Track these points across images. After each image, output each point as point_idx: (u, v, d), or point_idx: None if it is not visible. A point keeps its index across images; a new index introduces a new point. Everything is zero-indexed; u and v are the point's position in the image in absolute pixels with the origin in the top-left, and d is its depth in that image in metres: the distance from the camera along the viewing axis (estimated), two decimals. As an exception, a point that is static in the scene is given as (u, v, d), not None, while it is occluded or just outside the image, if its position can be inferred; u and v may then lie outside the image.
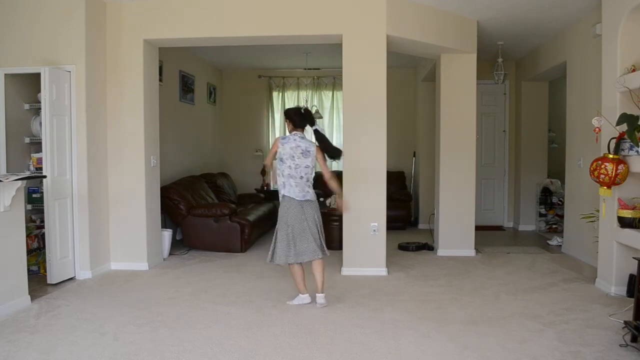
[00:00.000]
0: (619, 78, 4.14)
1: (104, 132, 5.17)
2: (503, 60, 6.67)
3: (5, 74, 4.77)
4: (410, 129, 8.65)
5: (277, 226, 4.01)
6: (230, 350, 3.11)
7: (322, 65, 8.47)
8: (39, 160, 4.73)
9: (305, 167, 3.99)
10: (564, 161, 6.18)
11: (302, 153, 3.96)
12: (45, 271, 4.68)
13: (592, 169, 4.11)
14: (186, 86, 7.40)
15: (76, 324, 3.58)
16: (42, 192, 4.81)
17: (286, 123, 4.19)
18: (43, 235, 4.85)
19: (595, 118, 4.23)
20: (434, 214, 6.36)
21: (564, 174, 6.20)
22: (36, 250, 4.93)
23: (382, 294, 4.35)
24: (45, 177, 4.48)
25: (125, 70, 5.17)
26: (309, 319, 3.70)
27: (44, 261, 4.77)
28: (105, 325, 3.54)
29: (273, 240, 3.99)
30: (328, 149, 4.14)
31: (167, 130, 6.47)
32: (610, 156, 4.00)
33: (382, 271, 5.02)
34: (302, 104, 8.60)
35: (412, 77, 8.65)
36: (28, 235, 4.67)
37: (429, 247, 6.21)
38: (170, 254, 5.89)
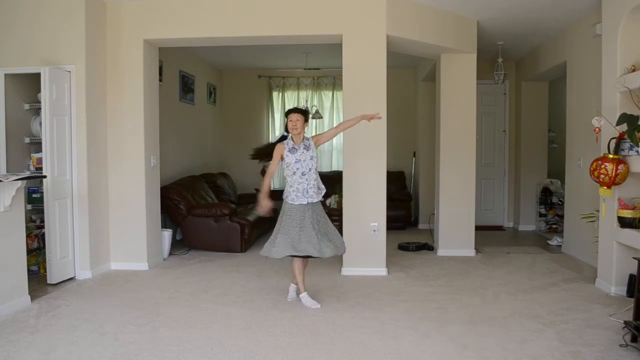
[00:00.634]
0: (619, 78, 4.14)
1: (104, 132, 5.18)
2: (503, 60, 6.67)
3: (5, 74, 4.77)
4: (410, 129, 8.65)
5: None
6: (230, 350, 3.11)
7: (322, 65, 8.47)
8: (39, 160, 4.73)
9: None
10: (564, 161, 6.18)
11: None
12: (45, 271, 4.68)
13: (592, 169, 4.11)
14: (186, 86, 7.40)
15: (76, 324, 3.58)
16: (42, 192, 4.81)
17: (305, 125, 4.07)
18: (43, 235, 4.85)
19: (595, 118, 4.23)
20: (434, 214, 6.36)
21: (564, 174, 6.20)
22: (36, 250, 4.93)
23: (382, 294, 4.35)
24: (45, 177, 4.48)
25: (125, 70, 5.17)
26: (309, 319, 3.70)
27: (44, 261, 4.77)
28: (105, 325, 3.54)
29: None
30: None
31: (167, 130, 6.47)
32: (610, 156, 4.00)
33: (382, 271, 5.02)
34: (302, 104, 8.61)
35: (412, 77, 8.65)
36: (28, 235, 4.67)
37: (429, 247, 6.21)
38: (170, 254, 5.89)
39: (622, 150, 4.04)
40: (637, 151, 3.88)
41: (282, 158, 4.02)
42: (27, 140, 4.99)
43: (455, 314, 3.80)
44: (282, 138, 4.08)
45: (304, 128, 4.03)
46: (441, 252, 5.93)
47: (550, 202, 7.48)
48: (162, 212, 5.74)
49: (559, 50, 6.24)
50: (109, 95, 5.19)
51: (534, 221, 7.75)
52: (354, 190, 5.07)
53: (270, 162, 4.07)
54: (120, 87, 5.18)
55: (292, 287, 4.20)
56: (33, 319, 3.67)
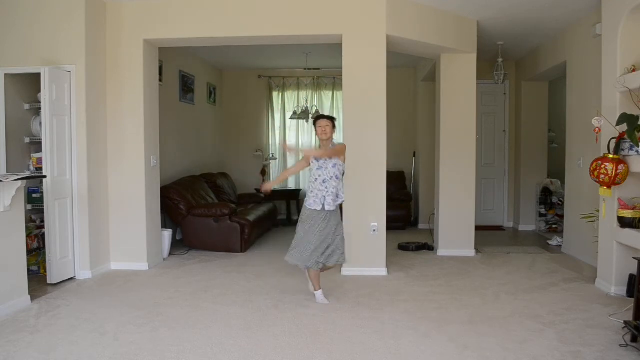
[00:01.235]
0: (619, 78, 4.14)
1: (104, 132, 5.17)
2: (503, 60, 6.67)
3: (5, 74, 4.77)
4: (410, 129, 8.65)
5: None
6: (230, 350, 3.11)
7: (322, 65, 8.47)
8: (39, 160, 4.73)
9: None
10: (564, 161, 6.18)
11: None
12: (45, 271, 4.68)
13: (592, 169, 4.11)
14: (186, 86, 7.40)
15: (76, 324, 3.58)
16: (42, 192, 4.81)
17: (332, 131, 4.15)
18: (43, 235, 4.85)
19: (595, 118, 4.23)
20: (434, 214, 6.36)
21: (564, 174, 6.20)
22: (36, 250, 4.94)
23: (382, 294, 4.35)
24: (45, 177, 4.48)
25: (125, 70, 5.17)
26: (309, 319, 3.70)
27: (44, 261, 4.77)
28: (105, 325, 3.54)
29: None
30: None
31: (167, 130, 6.47)
32: (610, 156, 4.00)
33: (382, 271, 5.02)
34: (302, 104, 8.61)
35: (412, 77, 8.65)
36: (28, 235, 4.67)
37: (429, 247, 6.21)
38: (170, 254, 5.89)
39: (622, 150, 4.03)
40: (637, 151, 3.88)
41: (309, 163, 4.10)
42: (27, 140, 4.99)
43: (455, 314, 3.80)
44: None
45: (332, 134, 4.09)
46: (441, 252, 5.93)
47: (550, 202, 7.48)
48: (162, 212, 5.75)
49: (559, 50, 6.24)
50: (109, 95, 5.19)
51: (534, 221, 7.75)
52: (354, 190, 5.07)
53: (301, 161, 4.11)
54: (120, 87, 5.18)
55: (318, 293, 4.16)
56: (33, 319, 3.67)
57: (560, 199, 7.20)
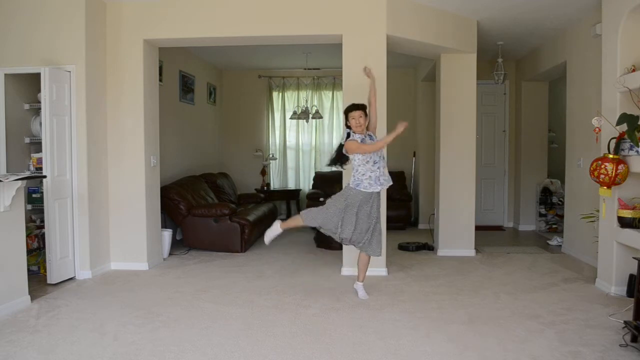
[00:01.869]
0: (619, 78, 4.14)
1: (104, 132, 5.18)
2: (503, 60, 6.67)
3: (5, 74, 4.77)
4: (410, 129, 8.59)
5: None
6: (230, 350, 3.11)
7: (322, 65, 8.47)
8: (39, 160, 4.73)
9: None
10: (564, 161, 6.18)
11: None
12: (45, 271, 4.68)
13: (592, 169, 4.11)
14: (186, 86, 7.40)
15: (76, 324, 3.58)
16: (42, 192, 4.81)
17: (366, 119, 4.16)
18: (43, 235, 4.85)
19: (595, 118, 4.23)
20: (434, 214, 6.36)
21: (564, 174, 6.20)
22: (36, 250, 4.93)
23: (382, 294, 4.35)
24: (45, 177, 4.48)
25: (125, 70, 5.17)
26: (309, 319, 3.70)
27: (44, 261, 4.77)
28: (105, 325, 3.54)
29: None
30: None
31: (167, 130, 6.47)
32: (610, 156, 4.00)
33: (382, 271, 5.02)
34: (302, 104, 8.61)
35: (412, 77, 8.65)
36: (28, 235, 4.67)
37: (429, 247, 6.21)
38: (170, 254, 5.89)
39: (622, 150, 4.04)
40: (637, 151, 3.88)
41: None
42: (27, 140, 4.99)
43: (455, 314, 3.80)
44: (348, 135, 4.17)
45: (365, 122, 4.14)
46: (441, 252, 5.93)
47: (550, 202, 7.48)
48: (162, 212, 5.75)
49: (559, 50, 6.24)
50: (109, 95, 5.19)
51: (534, 221, 7.75)
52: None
53: (358, 149, 4.06)
54: (120, 87, 5.18)
55: (359, 285, 4.32)
56: (33, 319, 3.67)
57: (560, 199, 7.20)
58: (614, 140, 4.08)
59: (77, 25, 4.78)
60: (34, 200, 4.97)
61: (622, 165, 3.96)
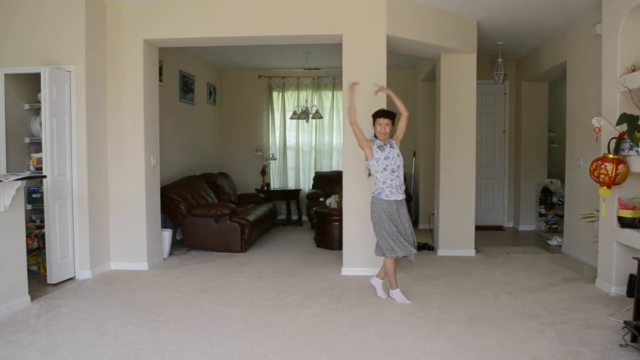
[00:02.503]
0: (619, 78, 4.14)
1: (104, 132, 5.18)
2: (503, 60, 6.67)
3: (5, 74, 4.77)
4: (410, 129, 8.57)
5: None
6: (230, 350, 3.11)
7: (322, 65, 8.47)
8: (39, 160, 4.73)
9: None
10: (564, 161, 6.18)
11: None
12: (45, 271, 4.68)
13: (592, 169, 4.11)
14: (186, 86, 7.40)
15: (76, 324, 3.58)
16: (42, 192, 4.81)
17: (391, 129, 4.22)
18: (43, 235, 4.85)
19: (595, 118, 4.23)
20: (434, 214, 6.36)
21: (564, 174, 6.20)
22: (36, 250, 4.93)
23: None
24: (45, 177, 4.48)
25: (125, 70, 5.17)
26: (309, 319, 3.70)
27: (44, 261, 4.77)
28: (105, 325, 3.54)
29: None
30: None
31: (167, 130, 6.47)
32: (610, 156, 4.00)
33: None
34: (302, 104, 8.60)
35: (412, 77, 8.65)
36: (28, 235, 4.67)
37: (429, 247, 6.21)
38: (170, 254, 5.89)
39: (622, 150, 4.04)
40: (637, 151, 3.88)
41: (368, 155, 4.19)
42: (27, 140, 4.99)
43: (455, 314, 3.80)
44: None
45: (391, 131, 4.19)
46: (441, 252, 5.93)
47: (550, 202, 7.47)
48: (162, 212, 5.75)
49: (559, 50, 6.24)
50: (109, 95, 5.19)
51: (534, 221, 7.75)
52: (354, 190, 5.07)
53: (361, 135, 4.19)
54: (120, 87, 5.18)
55: (378, 282, 4.30)
56: (33, 319, 3.67)
57: (560, 199, 7.20)
58: (614, 140, 4.08)
59: (77, 25, 4.79)
60: (34, 200, 4.97)
61: (622, 165, 3.96)
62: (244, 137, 9.02)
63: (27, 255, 4.35)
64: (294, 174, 9.04)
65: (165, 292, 4.39)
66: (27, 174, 4.31)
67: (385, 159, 4.12)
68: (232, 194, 7.91)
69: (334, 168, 8.78)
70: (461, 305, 4.03)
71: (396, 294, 4.15)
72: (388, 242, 4.08)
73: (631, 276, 4.14)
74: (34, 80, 4.79)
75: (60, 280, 4.64)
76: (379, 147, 4.14)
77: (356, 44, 5.03)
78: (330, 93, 8.84)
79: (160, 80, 6.20)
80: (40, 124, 4.65)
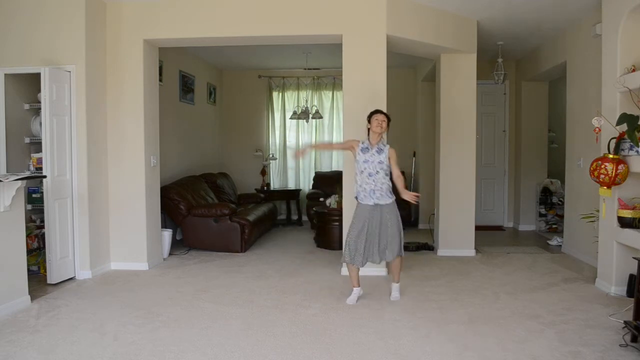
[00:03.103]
0: (619, 78, 4.14)
1: (104, 132, 5.18)
2: (503, 60, 6.67)
3: (5, 74, 4.77)
4: (410, 129, 8.65)
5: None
6: (230, 350, 3.11)
7: (322, 65, 8.47)
8: (39, 160, 4.73)
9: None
10: (564, 161, 6.18)
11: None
12: (45, 271, 4.68)
13: (592, 169, 4.11)
14: (186, 86, 7.40)
15: (76, 324, 3.58)
16: (42, 192, 4.81)
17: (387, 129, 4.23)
18: (43, 235, 4.85)
19: (595, 118, 4.23)
20: (434, 214, 6.36)
21: (564, 174, 6.20)
22: (36, 250, 4.93)
23: (382, 294, 4.35)
24: (45, 177, 4.48)
25: (125, 70, 5.17)
26: (309, 319, 3.70)
27: (44, 261, 4.77)
28: (105, 325, 3.54)
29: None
30: None
31: (167, 130, 6.47)
32: (610, 156, 4.00)
33: (382, 271, 5.02)
34: (302, 104, 8.60)
35: (412, 77, 8.65)
36: (28, 235, 4.67)
37: (429, 247, 6.21)
38: (170, 254, 5.89)
39: (622, 150, 4.04)
40: (637, 151, 3.88)
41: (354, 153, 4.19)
42: (27, 140, 4.99)
43: (455, 314, 3.80)
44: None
45: (385, 131, 4.18)
46: (441, 252, 5.93)
47: (550, 202, 7.48)
48: (162, 212, 5.74)
49: (559, 50, 6.24)
50: (109, 95, 5.19)
51: (534, 221, 7.75)
52: (353, 190, 5.06)
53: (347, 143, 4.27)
54: (120, 87, 5.18)
55: (395, 286, 4.28)
56: (33, 319, 3.67)
57: (560, 199, 7.20)
58: (614, 140, 4.08)
59: (77, 25, 4.78)
60: (34, 200, 4.97)
61: (622, 165, 3.96)
62: (244, 137, 9.02)
63: (27, 255, 4.35)
64: (294, 174, 9.04)
65: (165, 292, 4.39)
66: (27, 174, 4.31)
67: (364, 162, 4.09)
68: (232, 194, 7.91)
69: (334, 168, 8.78)
70: (461, 305, 4.03)
71: (354, 291, 4.16)
72: (349, 245, 4.07)
73: (631, 276, 4.14)
74: (34, 80, 4.79)
75: (60, 280, 4.64)
76: (362, 149, 4.12)
77: (356, 44, 5.03)
78: (330, 93, 8.84)
79: (160, 80, 6.20)
80: (40, 124, 4.65)
